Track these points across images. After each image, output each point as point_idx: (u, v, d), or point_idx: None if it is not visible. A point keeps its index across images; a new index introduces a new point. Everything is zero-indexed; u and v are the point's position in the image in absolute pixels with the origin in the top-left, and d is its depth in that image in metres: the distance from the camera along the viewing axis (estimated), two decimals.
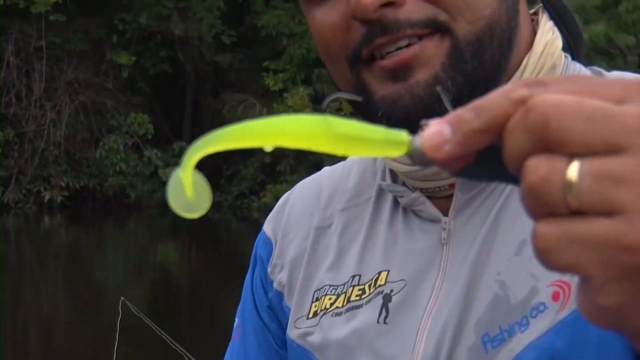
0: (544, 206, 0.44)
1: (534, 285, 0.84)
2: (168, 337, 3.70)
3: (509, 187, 0.89)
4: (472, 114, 0.47)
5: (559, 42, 0.95)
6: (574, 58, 0.97)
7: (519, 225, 0.87)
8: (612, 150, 0.44)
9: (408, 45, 0.85)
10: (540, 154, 0.45)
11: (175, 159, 24.31)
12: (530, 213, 0.45)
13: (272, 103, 23.55)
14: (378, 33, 0.86)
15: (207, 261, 15.52)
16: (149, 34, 24.99)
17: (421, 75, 0.85)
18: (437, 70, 0.84)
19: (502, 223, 0.89)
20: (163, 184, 24.49)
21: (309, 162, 23.40)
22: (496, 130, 0.47)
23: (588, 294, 0.45)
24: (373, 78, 0.88)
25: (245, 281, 1.14)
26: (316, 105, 22.05)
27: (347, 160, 1.11)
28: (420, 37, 0.86)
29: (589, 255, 0.43)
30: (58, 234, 20.36)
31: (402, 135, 0.49)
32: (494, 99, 0.47)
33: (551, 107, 0.44)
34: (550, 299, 0.83)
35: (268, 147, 0.50)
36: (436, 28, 0.85)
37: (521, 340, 0.83)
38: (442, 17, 0.86)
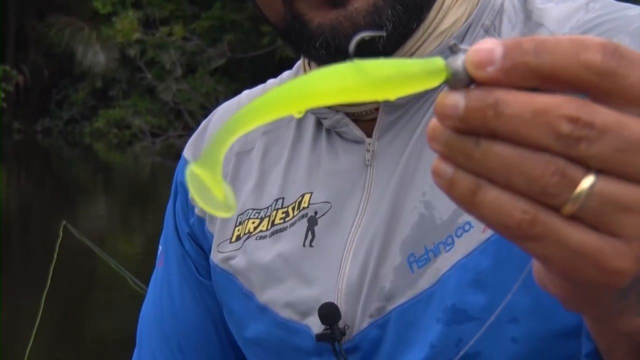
0: (540, 188, 0.43)
1: None
2: (113, 260, 3.77)
3: (432, 110, 0.87)
4: (533, 46, 0.42)
5: None
6: None
7: None
8: (634, 179, 0.43)
9: None
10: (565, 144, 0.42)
11: None
12: (517, 176, 0.43)
13: (100, 26, 23.00)
14: None
15: (37, 187, 15.32)
16: None
17: (359, 3, 0.82)
18: (375, 1, 0.82)
19: (427, 144, 0.98)
20: None
21: (141, 86, 23.17)
22: (546, 77, 0.42)
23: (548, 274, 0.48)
24: (308, 6, 0.85)
25: (167, 209, 1.10)
26: (147, 29, 21.79)
27: (267, 82, 1.09)
28: None
29: (563, 258, 0.44)
30: None
31: (438, 61, 0.44)
32: (562, 46, 0.42)
33: (604, 131, 0.42)
34: None
35: (298, 114, 0.45)
36: None
37: (446, 260, 0.82)
38: None
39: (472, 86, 0.44)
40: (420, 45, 0.88)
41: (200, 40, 21.70)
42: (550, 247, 0.44)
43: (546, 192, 0.43)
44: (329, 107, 0.93)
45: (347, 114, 0.92)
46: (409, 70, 0.45)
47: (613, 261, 0.43)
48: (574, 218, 0.43)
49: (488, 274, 0.80)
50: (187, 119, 20.80)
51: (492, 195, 0.44)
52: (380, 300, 0.86)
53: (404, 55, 0.87)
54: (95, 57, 23.39)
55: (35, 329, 3.35)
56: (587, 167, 0.43)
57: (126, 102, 23.29)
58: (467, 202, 0.44)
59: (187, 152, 1.09)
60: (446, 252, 0.83)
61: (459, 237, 0.82)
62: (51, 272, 3.39)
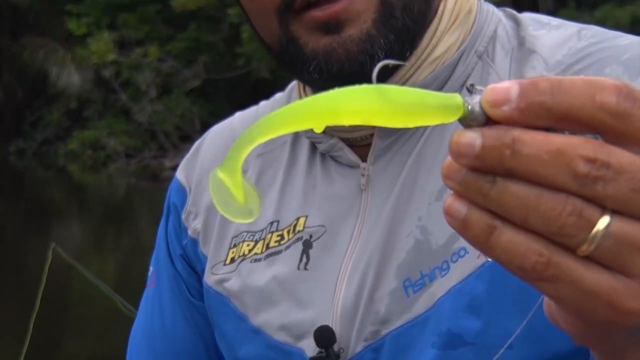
0: (557, 228, 0.43)
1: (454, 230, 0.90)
2: (102, 283, 3.72)
3: (426, 134, 0.89)
4: (549, 86, 0.43)
5: None
6: None
7: (438, 170, 0.86)
8: None
9: None
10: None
11: None
12: (534, 214, 0.43)
13: (75, 48, 22.93)
14: None
15: (11, 209, 15.18)
16: None
17: (353, 31, 0.83)
18: (369, 27, 0.83)
19: (422, 169, 0.88)
20: None
21: (116, 108, 23.09)
22: (561, 117, 0.43)
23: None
24: (303, 30, 0.85)
25: (159, 229, 1.10)
26: (122, 51, 21.75)
27: (260, 104, 1.09)
28: None
29: (576, 298, 0.44)
30: None
31: (456, 97, 0.45)
32: (578, 87, 0.43)
33: (620, 172, 0.43)
34: None
35: (318, 129, 0.45)
36: None
37: (442, 285, 0.82)
38: None
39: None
40: (414, 73, 0.88)
41: (176, 61, 21.69)
42: (564, 288, 0.44)
43: (563, 233, 0.43)
44: (324, 132, 0.93)
45: (342, 139, 0.93)
46: (428, 102, 0.45)
47: (627, 301, 0.44)
48: (589, 258, 0.44)
49: (483, 299, 0.81)
50: (162, 140, 20.74)
51: (507, 237, 0.44)
52: (375, 324, 0.86)
53: (397, 82, 0.88)
54: (70, 78, 23.29)
55: (24, 354, 3.30)
56: (603, 207, 0.43)
57: (101, 123, 23.19)
58: (482, 243, 0.45)
59: (180, 174, 1.09)
60: (442, 277, 0.83)
61: (454, 262, 0.83)
62: (40, 296, 3.33)
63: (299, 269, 0.92)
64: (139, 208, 15.26)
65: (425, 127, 0.89)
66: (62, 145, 23.70)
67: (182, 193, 1.07)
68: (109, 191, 18.80)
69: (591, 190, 0.43)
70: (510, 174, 0.43)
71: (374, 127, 0.90)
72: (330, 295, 0.89)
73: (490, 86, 0.44)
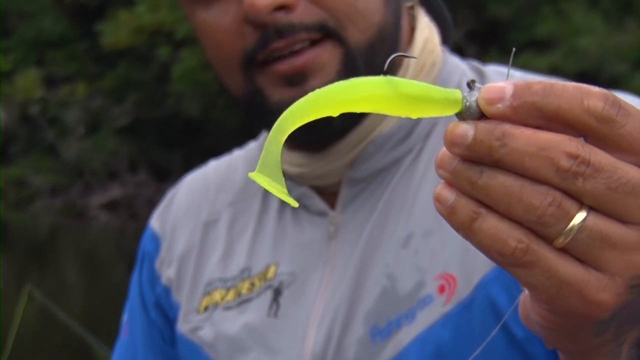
0: (536, 217, 0.46)
1: (420, 278, 0.85)
2: (74, 324, 3.60)
3: (394, 182, 0.91)
4: (541, 88, 0.46)
5: (436, 39, 0.96)
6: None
7: (404, 219, 0.88)
8: (622, 219, 0.47)
9: (302, 50, 0.86)
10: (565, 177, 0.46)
11: None
12: (519, 202, 0.46)
13: (1, 84, 22.53)
14: (273, 37, 0.86)
15: None
16: None
17: (317, 82, 0.85)
18: (333, 79, 0.84)
19: (389, 217, 0.90)
20: None
21: (43, 145, 22.70)
22: (550, 117, 0.46)
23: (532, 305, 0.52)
24: (268, 83, 0.88)
25: (133, 278, 1.12)
26: (50, 88, 21.46)
27: (233, 153, 1.10)
28: (313, 43, 0.86)
29: (550, 287, 0.47)
30: None
31: (456, 93, 0.48)
32: (569, 91, 0.46)
33: (599, 170, 0.46)
34: (436, 291, 0.84)
35: (335, 114, 0.49)
36: (326, 33, 0.86)
37: (408, 333, 0.84)
38: (332, 23, 0.86)
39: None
40: (380, 123, 0.92)
41: (105, 99, 21.52)
42: (539, 275, 0.47)
43: (542, 222, 0.46)
44: (294, 181, 0.96)
45: (312, 187, 0.96)
46: (432, 94, 0.49)
47: (596, 293, 0.47)
48: (564, 250, 0.47)
49: (449, 347, 0.83)
50: (89, 178, 20.44)
51: (490, 224, 0.47)
52: None
53: (363, 132, 0.92)
54: None
55: None
56: (581, 203, 0.47)
57: (26, 160, 22.75)
58: (466, 229, 0.48)
59: (154, 223, 1.12)
60: (408, 324, 0.85)
61: (420, 309, 0.84)
62: (12, 340, 3.22)
63: (268, 316, 0.94)
64: (64, 247, 14.97)
65: (392, 177, 0.92)
66: None
67: (156, 241, 1.09)
68: (33, 230, 18.40)
69: (571, 185, 0.46)
70: (498, 165, 0.47)
71: (341, 174, 0.93)
72: (299, 343, 0.91)
73: (488, 85, 0.48)
